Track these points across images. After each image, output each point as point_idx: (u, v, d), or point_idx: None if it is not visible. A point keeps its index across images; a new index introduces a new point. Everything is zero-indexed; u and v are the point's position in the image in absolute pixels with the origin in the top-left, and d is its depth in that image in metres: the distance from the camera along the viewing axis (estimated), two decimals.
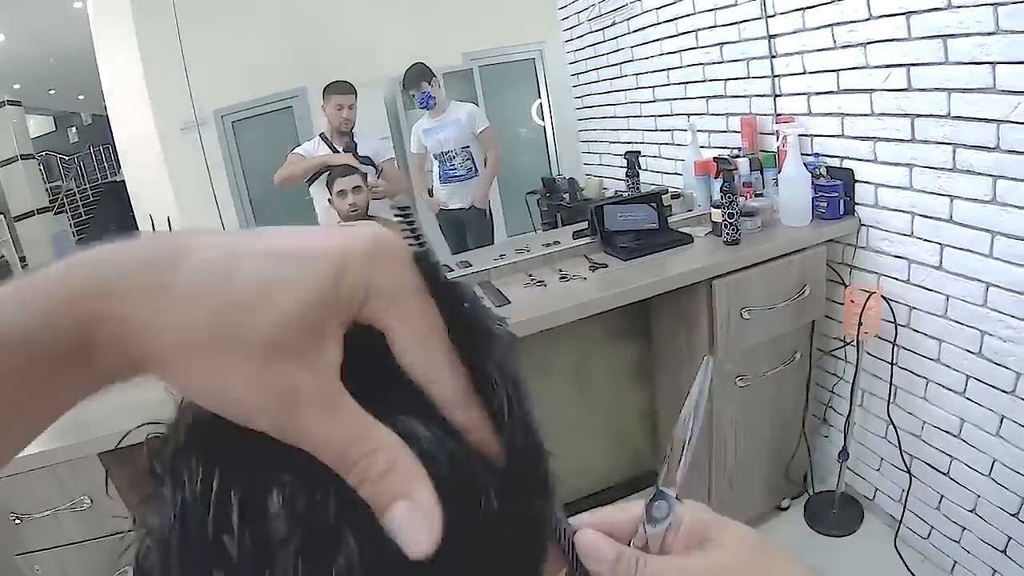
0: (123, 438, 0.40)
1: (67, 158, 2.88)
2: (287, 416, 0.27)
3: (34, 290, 0.26)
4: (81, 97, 2.87)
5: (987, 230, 1.88)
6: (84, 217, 2.90)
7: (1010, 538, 2.01)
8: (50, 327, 0.25)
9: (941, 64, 1.87)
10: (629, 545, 0.42)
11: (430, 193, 3.16)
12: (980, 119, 1.81)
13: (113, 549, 1.83)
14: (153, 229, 2.68)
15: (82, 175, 2.90)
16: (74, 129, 2.89)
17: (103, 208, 2.93)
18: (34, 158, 2.77)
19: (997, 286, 1.89)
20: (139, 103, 2.68)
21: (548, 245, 2.52)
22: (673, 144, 3.03)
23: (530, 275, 2.37)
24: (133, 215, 2.74)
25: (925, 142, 1.99)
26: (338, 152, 2.84)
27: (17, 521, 1.74)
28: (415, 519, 0.28)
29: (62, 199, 2.85)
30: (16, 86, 2.71)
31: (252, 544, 0.28)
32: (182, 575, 0.29)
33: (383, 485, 0.28)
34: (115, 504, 1.77)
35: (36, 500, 1.73)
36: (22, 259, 2.68)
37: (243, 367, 0.27)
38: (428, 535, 0.28)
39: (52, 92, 2.84)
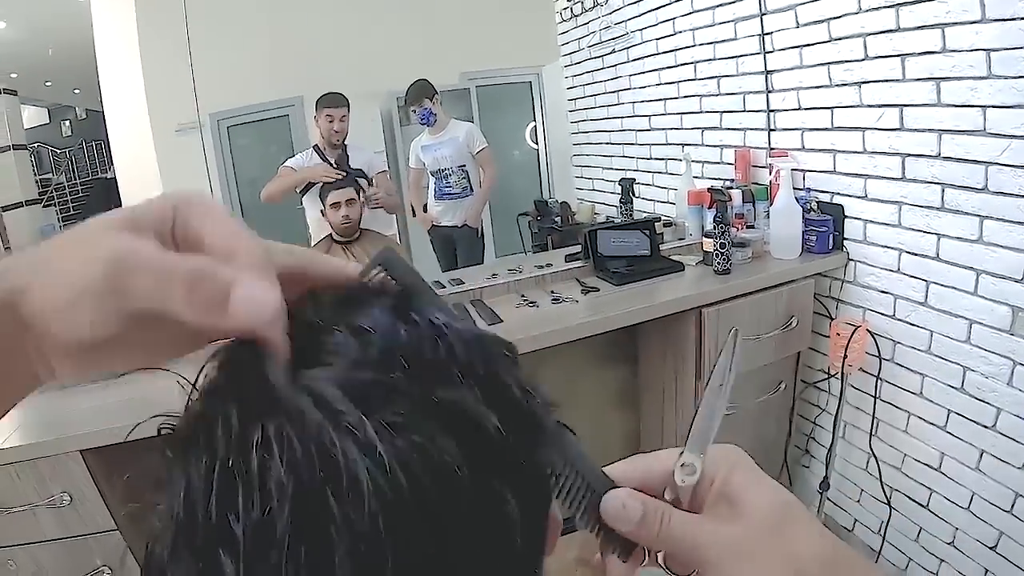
0: (133, 429, 0.41)
1: (59, 151, 2.85)
2: (116, 264, 0.30)
3: None
4: (77, 91, 2.86)
5: (972, 268, 1.92)
6: (72, 212, 2.88)
7: (987, 570, 2.03)
8: None
9: (933, 106, 1.92)
10: (664, 495, 0.44)
11: (424, 209, 3.17)
12: (969, 160, 1.86)
13: (90, 548, 1.81)
14: None
15: (73, 170, 2.88)
16: (68, 123, 2.87)
17: (92, 205, 2.90)
18: (26, 149, 2.75)
19: (980, 323, 1.93)
20: (135, 101, 2.68)
21: (541, 267, 2.55)
22: (667, 173, 3.07)
23: (522, 296, 2.38)
24: None
25: (915, 181, 2.04)
26: (330, 164, 2.85)
27: None
28: (249, 295, 0.31)
29: (51, 192, 2.83)
30: (13, 75, 2.69)
31: (255, 524, 0.28)
32: (190, 555, 0.30)
33: (200, 293, 0.31)
34: (96, 503, 1.76)
35: (14, 495, 1.71)
36: (7, 249, 2.66)
37: (77, 245, 0.32)
38: (271, 295, 0.32)
39: (48, 84, 2.82)
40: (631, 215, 2.91)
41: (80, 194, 2.88)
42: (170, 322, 0.31)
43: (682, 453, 0.44)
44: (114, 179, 2.80)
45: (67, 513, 1.74)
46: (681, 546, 0.42)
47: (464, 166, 3.09)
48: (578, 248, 2.61)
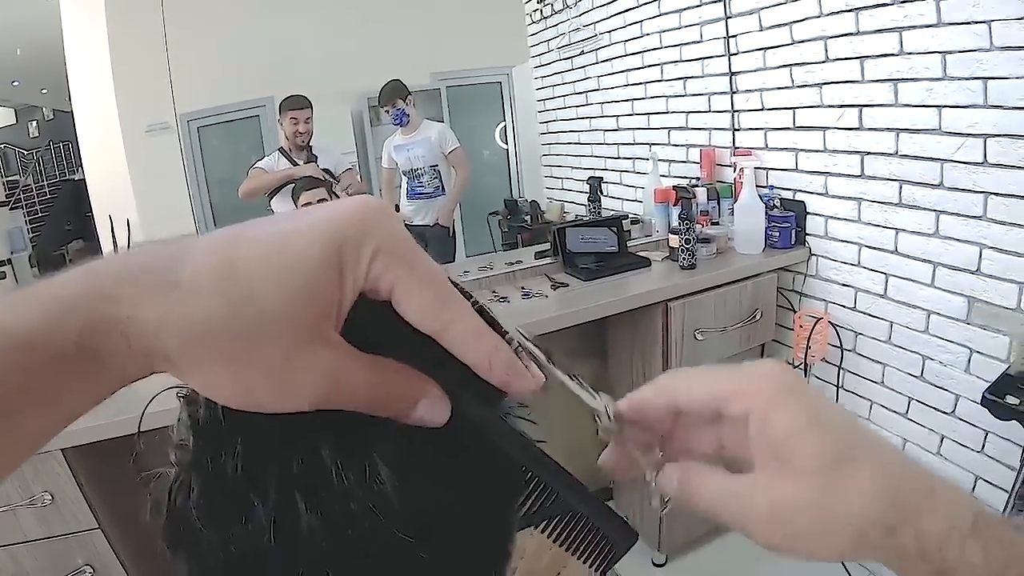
0: (145, 407, 0.43)
1: (27, 152, 2.81)
2: (318, 398, 0.29)
3: (33, 296, 0.27)
4: (45, 91, 2.81)
5: (929, 261, 2.01)
6: (40, 214, 2.84)
7: None
8: (52, 330, 0.26)
9: (891, 106, 2.00)
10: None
11: (396, 209, 3.19)
12: (925, 158, 1.94)
13: (72, 547, 1.80)
14: (112, 231, 2.63)
15: (41, 171, 2.83)
16: (35, 123, 2.82)
17: (60, 206, 2.86)
18: None
19: (938, 313, 2.02)
20: (105, 102, 2.64)
21: (511, 264, 2.58)
22: (634, 172, 3.13)
23: (494, 292, 2.41)
24: (90, 215, 2.69)
25: (874, 178, 2.12)
26: (298, 165, 2.85)
27: None
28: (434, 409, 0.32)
29: (19, 194, 2.79)
30: None
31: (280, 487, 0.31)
32: (219, 500, 0.31)
33: (394, 402, 0.32)
34: (78, 502, 1.75)
35: None
36: None
37: (262, 363, 0.28)
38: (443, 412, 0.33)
39: (16, 84, 2.77)
40: (599, 213, 2.96)
41: (48, 196, 2.84)
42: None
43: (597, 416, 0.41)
44: (83, 180, 2.76)
45: (49, 512, 1.72)
46: (722, 517, 0.38)
47: (436, 166, 3.11)
48: (547, 245, 2.65)
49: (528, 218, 3.40)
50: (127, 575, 1.85)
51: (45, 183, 2.84)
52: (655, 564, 2.60)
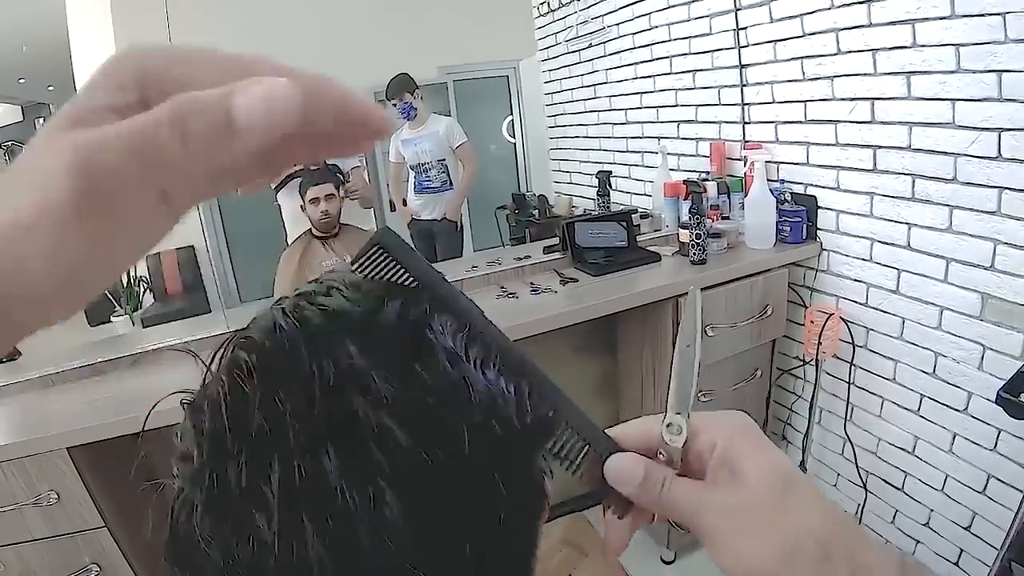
0: (150, 411, 0.42)
1: None
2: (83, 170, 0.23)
3: None
4: (51, 88, 2.81)
5: (942, 256, 1.98)
6: None
7: (962, 551, 2.10)
8: None
9: (904, 99, 1.97)
10: (658, 457, 0.45)
11: (404, 203, 3.18)
12: (939, 152, 1.91)
13: (78, 545, 1.81)
14: None
15: None
16: (42, 120, 2.82)
17: None
18: (0, 148, 2.72)
19: (951, 310, 1.99)
20: None
21: (520, 259, 2.56)
22: (643, 166, 3.10)
23: (502, 287, 2.40)
24: None
25: (886, 172, 2.09)
26: None
27: None
28: (260, 94, 0.24)
29: None
30: None
31: (285, 489, 0.30)
32: (223, 517, 0.31)
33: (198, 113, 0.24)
34: (84, 500, 1.75)
35: (0, 494, 1.69)
36: None
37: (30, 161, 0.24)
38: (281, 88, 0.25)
39: (22, 81, 2.78)
40: (608, 207, 2.94)
41: None
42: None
43: (665, 414, 0.45)
44: None
45: (55, 511, 1.73)
46: (679, 510, 0.43)
47: (444, 160, 3.10)
48: (556, 240, 2.64)
49: (536, 212, 3.39)
50: (134, 574, 1.86)
51: None
52: (664, 561, 2.60)
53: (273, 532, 0.30)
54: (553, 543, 1.35)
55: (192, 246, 2.82)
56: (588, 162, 3.35)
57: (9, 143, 2.75)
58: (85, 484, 1.74)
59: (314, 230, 2.75)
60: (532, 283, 2.40)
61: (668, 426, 0.44)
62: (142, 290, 3.00)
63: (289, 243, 2.76)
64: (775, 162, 2.50)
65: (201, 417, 0.33)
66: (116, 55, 0.27)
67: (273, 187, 2.83)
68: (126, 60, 0.27)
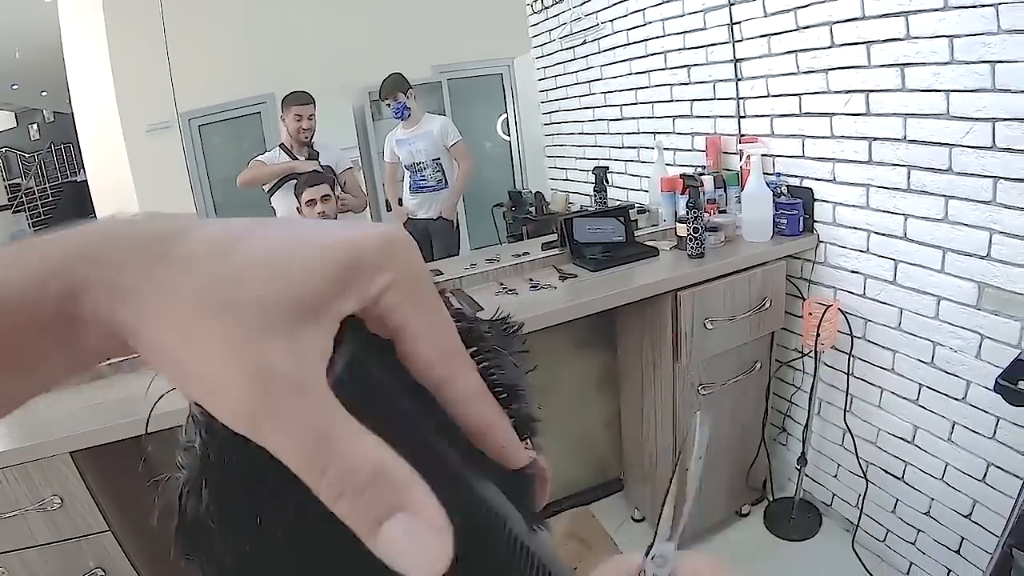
0: (151, 411, 0.42)
1: (28, 155, 2.79)
2: (254, 399, 0.23)
3: (28, 254, 0.25)
4: (44, 93, 2.79)
5: (939, 247, 1.99)
6: (43, 216, 2.83)
7: (963, 538, 2.11)
8: (34, 293, 0.23)
9: (898, 91, 1.98)
10: None
11: (400, 203, 3.18)
12: (934, 143, 1.92)
13: (83, 550, 1.81)
14: None
15: (43, 174, 2.82)
16: (36, 126, 2.81)
17: (63, 208, 2.86)
18: None
19: (948, 299, 2.01)
20: (106, 102, 2.63)
21: (518, 256, 2.58)
22: (639, 161, 3.11)
23: (501, 284, 2.41)
24: (94, 216, 2.68)
25: (881, 164, 2.10)
26: (299, 160, 2.84)
27: None
28: (416, 533, 0.23)
29: (21, 197, 2.78)
30: None
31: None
32: (232, 504, 0.30)
33: (366, 498, 0.23)
34: (87, 504, 1.76)
35: (4, 500, 1.70)
36: None
37: (217, 338, 0.23)
38: (437, 550, 0.23)
39: (15, 87, 2.76)
40: (605, 203, 2.94)
41: (50, 198, 2.83)
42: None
43: (651, 546, 0.40)
44: (84, 182, 2.74)
45: (58, 516, 1.74)
46: None
47: (438, 159, 3.09)
48: (554, 237, 2.65)
49: (533, 210, 3.39)
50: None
51: (48, 185, 2.83)
52: None
53: (282, 508, 0.29)
54: (558, 537, 1.35)
55: None
56: (584, 158, 3.35)
57: (3, 149, 2.74)
58: (88, 488, 1.75)
59: None
60: (531, 279, 2.41)
61: (653, 557, 0.40)
62: None
63: None
64: (771, 155, 2.51)
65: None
66: (385, 246, 0.26)
67: (267, 190, 2.83)
68: (390, 265, 0.26)
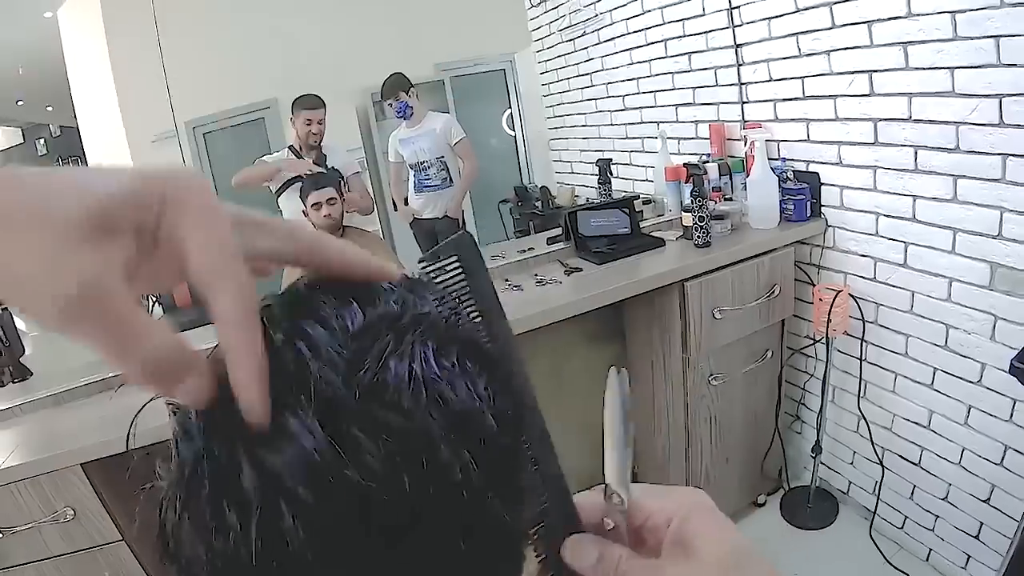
0: (133, 419, 0.42)
1: None
2: (69, 303, 0.26)
3: None
4: (50, 108, 2.82)
5: (949, 227, 1.96)
6: None
7: (982, 523, 2.08)
8: None
9: (902, 70, 1.94)
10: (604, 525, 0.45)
11: (406, 202, 3.17)
12: (940, 121, 1.88)
13: (97, 560, 1.82)
14: None
15: None
16: (43, 140, 2.84)
17: None
18: None
19: (960, 281, 1.97)
20: (110, 114, 2.66)
21: (523, 251, 2.57)
22: (643, 151, 3.09)
23: (506, 280, 2.40)
24: None
25: (888, 145, 2.06)
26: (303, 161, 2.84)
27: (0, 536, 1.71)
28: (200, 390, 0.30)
29: None
30: None
31: (262, 483, 0.30)
32: (200, 514, 0.31)
33: (166, 368, 0.29)
34: (100, 515, 1.76)
35: (18, 513, 1.71)
36: None
37: (33, 249, 0.26)
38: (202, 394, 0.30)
39: (20, 103, 2.79)
40: (610, 195, 2.92)
41: None
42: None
43: (605, 487, 0.45)
44: None
45: (72, 527, 1.75)
46: None
47: (443, 158, 3.09)
48: (558, 231, 2.63)
49: (539, 204, 3.38)
50: None
51: None
52: None
53: (249, 521, 0.30)
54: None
55: None
56: (588, 151, 3.34)
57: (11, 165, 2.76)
58: (101, 499, 1.76)
59: None
60: (537, 275, 2.39)
61: (610, 497, 0.45)
62: (151, 303, 3.02)
63: None
64: (775, 141, 2.48)
65: (186, 417, 0.32)
66: (161, 173, 0.30)
67: (274, 191, 2.83)
68: (163, 185, 0.29)
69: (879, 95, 2.04)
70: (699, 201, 2.29)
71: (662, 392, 2.51)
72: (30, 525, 1.71)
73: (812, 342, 2.56)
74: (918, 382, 2.19)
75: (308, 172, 2.76)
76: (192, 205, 0.30)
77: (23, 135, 2.82)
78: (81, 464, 1.70)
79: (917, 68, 1.90)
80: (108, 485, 1.79)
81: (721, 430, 2.46)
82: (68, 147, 2.80)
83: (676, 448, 2.51)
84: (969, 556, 2.15)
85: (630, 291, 2.19)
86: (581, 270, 2.37)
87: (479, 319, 0.41)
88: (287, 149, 2.86)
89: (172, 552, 0.33)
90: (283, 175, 2.81)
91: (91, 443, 1.70)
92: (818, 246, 2.44)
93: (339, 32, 3.08)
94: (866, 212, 2.22)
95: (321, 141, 2.86)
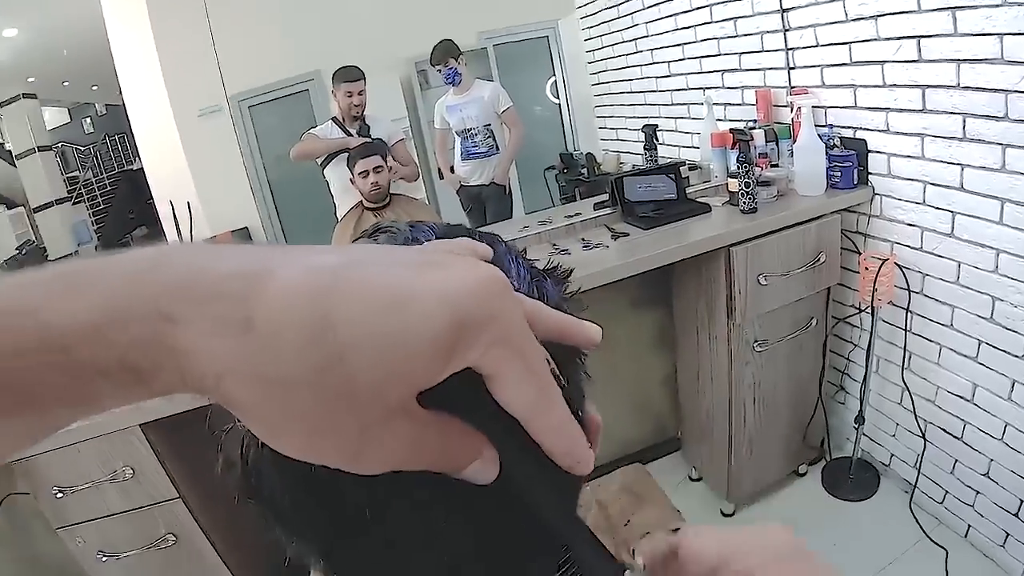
0: None
1: (83, 148, 2.93)
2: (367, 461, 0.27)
3: (87, 283, 0.24)
4: (95, 87, 2.91)
5: (997, 197, 1.91)
6: (103, 206, 2.97)
7: (1022, 501, 2.05)
8: (95, 339, 0.23)
9: (950, 36, 1.88)
10: None
11: (452, 169, 3.20)
12: (989, 89, 1.83)
13: (155, 517, 1.93)
14: (174, 215, 2.74)
15: (99, 165, 2.95)
16: (89, 120, 2.93)
17: (121, 197, 2.99)
18: (51, 150, 2.82)
19: (1007, 252, 1.92)
20: (155, 91, 2.72)
21: (570, 216, 2.59)
22: (689, 118, 3.05)
23: (554, 244, 2.44)
24: (151, 202, 2.79)
25: (936, 112, 2.01)
26: (351, 136, 2.88)
27: (60, 495, 1.82)
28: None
29: (80, 189, 2.91)
30: (30, 79, 2.73)
31: None
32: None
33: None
34: (158, 474, 1.87)
35: (78, 473, 1.81)
36: (43, 250, 2.75)
37: (329, 427, 0.25)
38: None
39: (66, 84, 2.88)
40: (656, 161, 2.90)
41: (108, 188, 2.97)
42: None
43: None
44: (140, 170, 2.85)
45: (130, 486, 1.86)
46: None
47: (489, 125, 3.10)
48: (605, 197, 2.64)
49: (585, 171, 3.37)
50: (208, 541, 1.98)
51: (104, 176, 2.96)
52: (724, 514, 2.62)
53: None
54: (613, 491, 1.38)
55: (246, 227, 2.90)
56: (634, 117, 3.31)
57: (60, 144, 2.87)
58: (158, 458, 1.86)
59: (365, 202, 2.80)
60: (584, 239, 2.43)
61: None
62: None
63: (340, 216, 2.82)
64: (822, 107, 2.43)
65: None
66: (485, 296, 0.28)
67: (320, 163, 2.89)
68: (488, 317, 0.27)
69: (927, 61, 1.98)
70: (745, 167, 2.28)
71: (707, 357, 2.52)
72: (88, 484, 1.83)
73: (857, 311, 2.54)
74: (963, 354, 2.16)
75: (364, 144, 2.81)
76: (513, 341, 0.28)
77: (70, 115, 2.92)
78: (139, 425, 1.81)
79: (965, 34, 1.84)
80: (165, 444, 1.89)
81: (764, 397, 2.46)
82: (114, 124, 2.89)
83: (719, 412, 2.52)
84: (1008, 534, 2.13)
85: (677, 255, 2.20)
86: (628, 235, 2.39)
87: None
88: (331, 121, 2.91)
89: (255, 486, 0.35)
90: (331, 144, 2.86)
91: (150, 404, 1.80)
92: (864, 214, 2.40)
93: (383, 1, 3.10)
94: (913, 180, 2.17)
95: (364, 112, 2.90)
